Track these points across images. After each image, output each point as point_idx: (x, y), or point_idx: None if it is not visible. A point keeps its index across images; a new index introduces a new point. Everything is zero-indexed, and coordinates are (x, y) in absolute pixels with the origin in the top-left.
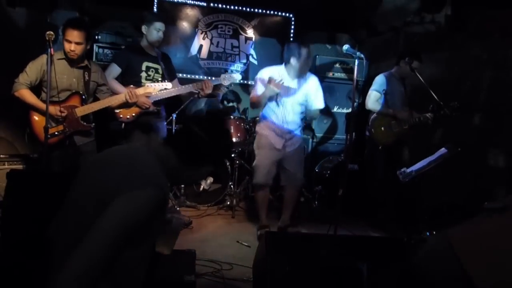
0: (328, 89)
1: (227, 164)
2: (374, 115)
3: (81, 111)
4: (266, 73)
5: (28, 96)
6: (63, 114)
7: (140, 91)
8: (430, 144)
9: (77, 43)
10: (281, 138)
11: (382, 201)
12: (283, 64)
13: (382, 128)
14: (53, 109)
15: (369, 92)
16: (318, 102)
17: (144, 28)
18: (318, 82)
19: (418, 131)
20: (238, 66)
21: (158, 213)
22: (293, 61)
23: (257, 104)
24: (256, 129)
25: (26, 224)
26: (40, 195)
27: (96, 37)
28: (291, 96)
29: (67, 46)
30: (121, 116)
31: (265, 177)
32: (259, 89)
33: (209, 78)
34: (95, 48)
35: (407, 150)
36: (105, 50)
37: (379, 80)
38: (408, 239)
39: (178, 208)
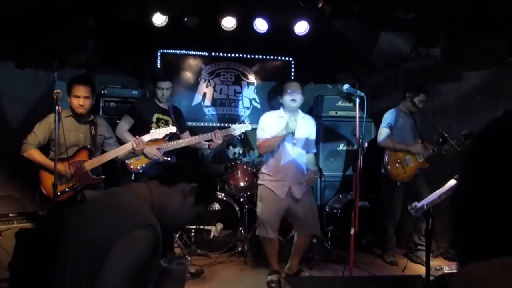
0: (332, 127)
1: (236, 209)
2: (388, 152)
3: (89, 164)
4: (267, 117)
5: (37, 156)
6: (71, 173)
7: (146, 138)
8: (447, 174)
9: (85, 97)
10: (284, 186)
11: (400, 239)
12: (281, 108)
13: (397, 164)
14: (62, 167)
15: (380, 129)
16: (313, 145)
17: (151, 85)
18: (314, 122)
19: (436, 162)
20: (242, 111)
21: (155, 252)
22: (284, 98)
23: (268, 148)
24: (258, 180)
25: (36, 285)
26: (50, 254)
27: (103, 91)
28: (292, 138)
29: (75, 101)
30: (131, 167)
31: (268, 231)
32: (266, 133)
33: (217, 127)
34: (101, 102)
35: (425, 184)
36: (111, 104)
37: (388, 117)
38: (426, 276)
39: (189, 258)
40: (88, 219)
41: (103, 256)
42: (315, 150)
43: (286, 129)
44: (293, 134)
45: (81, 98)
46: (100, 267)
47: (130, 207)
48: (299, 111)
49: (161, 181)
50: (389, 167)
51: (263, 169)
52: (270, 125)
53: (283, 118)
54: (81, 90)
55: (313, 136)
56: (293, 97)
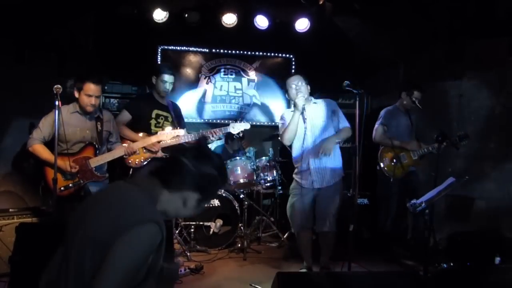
0: None
1: (236, 205)
2: (382, 148)
3: (94, 161)
4: (286, 114)
5: (41, 151)
6: (74, 170)
7: (152, 139)
8: (444, 172)
9: (97, 97)
10: (308, 175)
11: (396, 235)
12: (293, 106)
13: (391, 161)
14: (67, 163)
15: (375, 126)
16: (342, 121)
17: (153, 79)
18: (330, 103)
19: (430, 160)
20: (243, 108)
21: (158, 248)
22: (290, 93)
23: (289, 134)
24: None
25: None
26: (50, 247)
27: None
28: (309, 125)
29: (87, 100)
30: (130, 161)
31: (299, 226)
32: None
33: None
34: (101, 98)
35: (420, 181)
36: (112, 100)
37: (384, 114)
38: (424, 272)
39: (188, 254)
40: (92, 214)
41: (106, 251)
42: (347, 124)
43: (295, 108)
44: (304, 119)
45: (93, 97)
46: (102, 261)
47: (135, 202)
48: (311, 98)
49: (163, 184)
50: (382, 163)
51: (294, 163)
52: (287, 118)
53: (294, 110)
54: (94, 89)
55: (334, 116)
56: (298, 90)
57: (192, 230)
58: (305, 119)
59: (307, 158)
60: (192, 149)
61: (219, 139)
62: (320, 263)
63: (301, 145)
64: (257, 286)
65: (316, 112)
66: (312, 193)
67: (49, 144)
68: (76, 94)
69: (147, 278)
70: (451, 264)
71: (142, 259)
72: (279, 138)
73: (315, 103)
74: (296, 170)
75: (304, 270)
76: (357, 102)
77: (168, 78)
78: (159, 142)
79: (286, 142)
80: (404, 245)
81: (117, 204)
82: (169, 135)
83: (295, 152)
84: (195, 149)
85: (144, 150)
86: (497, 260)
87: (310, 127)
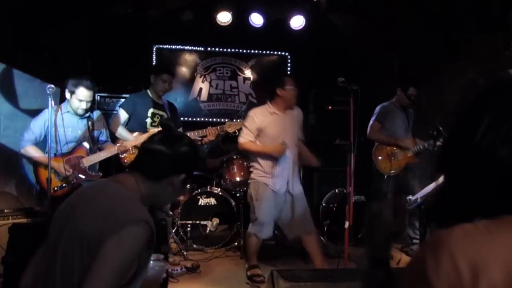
0: (328, 122)
1: (233, 204)
2: (376, 145)
3: (87, 161)
4: (257, 114)
5: (33, 152)
6: (68, 173)
7: (144, 136)
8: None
9: (88, 102)
10: (284, 180)
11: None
12: (267, 103)
13: (385, 158)
14: (60, 163)
15: (370, 122)
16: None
17: (152, 78)
18: (301, 113)
19: (426, 158)
20: (239, 106)
21: (148, 246)
22: (279, 91)
23: (250, 151)
24: (252, 176)
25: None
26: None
27: (98, 87)
28: (288, 130)
29: (77, 104)
30: (125, 161)
31: (270, 233)
32: (251, 135)
33: (213, 122)
34: (96, 97)
35: (416, 178)
36: (107, 99)
37: (379, 110)
38: None
39: (185, 253)
40: (79, 212)
41: (95, 251)
42: (303, 138)
43: (276, 153)
44: (289, 122)
45: (84, 102)
46: (91, 262)
47: (123, 202)
48: None
49: (147, 177)
50: (376, 160)
51: (256, 164)
52: (260, 122)
53: (276, 114)
54: (86, 95)
55: (301, 124)
56: (294, 91)
57: (188, 229)
58: (290, 121)
59: (284, 164)
60: (158, 135)
61: (217, 137)
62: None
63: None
64: (253, 284)
65: (293, 118)
66: (285, 197)
67: (41, 145)
68: (68, 96)
69: (135, 278)
70: None
71: (132, 259)
72: (241, 142)
73: (292, 109)
74: (264, 174)
75: (256, 270)
76: (352, 99)
77: (167, 77)
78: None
79: (243, 151)
80: (400, 242)
81: (106, 204)
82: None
83: (268, 156)
84: (161, 134)
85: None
86: None
87: (291, 133)
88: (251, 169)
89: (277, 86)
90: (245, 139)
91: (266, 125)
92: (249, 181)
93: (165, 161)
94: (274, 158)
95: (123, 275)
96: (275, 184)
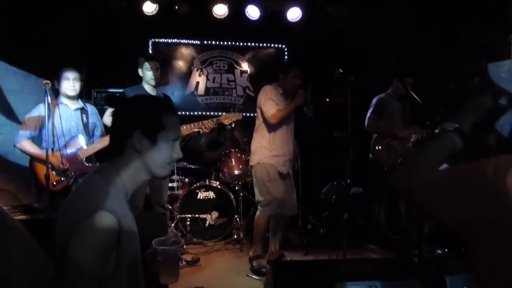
0: (326, 114)
1: (231, 197)
2: (375, 136)
3: (84, 153)
4: (272, 90)
5: (29, 147)
6: (65, 167)
7: None
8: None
9: (74, 79)
10: (287, 161)
11: (390, 223)
12: (273, 83)
13: (384, 149)
14: (57, 157)
15: (368, 115)
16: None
17: (140, 71)
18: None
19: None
20: (236, 100)
21: (122, 234)
22: (281, 77)
23: (282, 118)
24: (258, 159)
25: None
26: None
27: (95, 82)
28: (291, 115)
29: (67, 84)
30: None
31: (294, 209)
32: (276, 105)
33: (211, 116)
34: (93, 93)
35: None
36: (103, 94)
37: (376, 102)
38: (419, 258)
39: (185, 246)
40: (57, 220)
41: (64, 253)
42: None
43: (297, 101)
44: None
45: (71, 80)
46: (63, 264)
47: (86, 194)
48: None
49: (113, 154)
50: (374, 151)
51: (262, 148)
52: (276, 98)
53: (282, 95)
54: (71, 73)
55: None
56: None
57: (188, 223)
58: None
59: (288, 145)
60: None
61: (212, 131)
62: (273, 254)
63: (284, 131)
64: (254, 276)
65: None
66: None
67: (36, 139)
68: (57, 85)
69: (118, 270)
70: (446, 250)
71: (103, 251)
72: (271, 115)
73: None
74: (269, 155)
75: (261, 260)
76: (350, 91)
77: (152, 64)
78: None
79: (276, 122)
80: (398, 233)
81: (76, 197)
82: None
83: (271, 138)
84: (112, 108)
85: None
86: None
87: (289, 117)
88: (254, 154)
89: (281, 72)
90: (274, 110)
91: (277, 102)
92: (252, 165)
93: (114, 129)
94: (282, 137)
95: (99, 269)
96: (280, 165)
